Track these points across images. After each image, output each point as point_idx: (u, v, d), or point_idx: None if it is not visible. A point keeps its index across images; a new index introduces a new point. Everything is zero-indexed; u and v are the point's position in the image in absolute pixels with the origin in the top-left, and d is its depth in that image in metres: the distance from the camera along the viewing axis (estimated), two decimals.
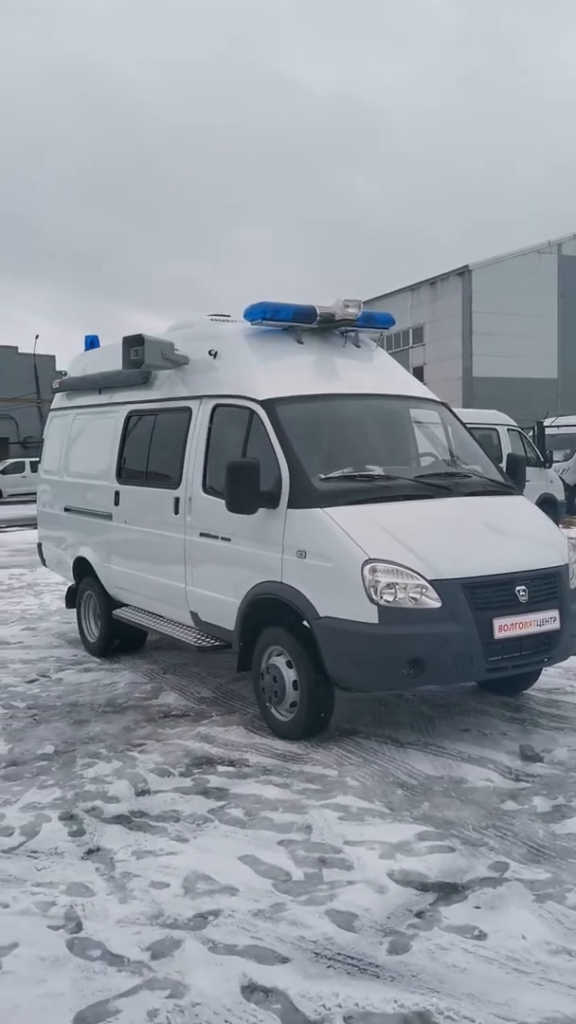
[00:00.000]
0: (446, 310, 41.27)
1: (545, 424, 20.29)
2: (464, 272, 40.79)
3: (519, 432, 15.70)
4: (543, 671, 6.22)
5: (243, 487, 5.30)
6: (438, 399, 6.70)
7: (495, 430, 14.54)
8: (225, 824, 4.24)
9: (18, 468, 33.25)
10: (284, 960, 3.10)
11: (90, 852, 4.01)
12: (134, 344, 6.46)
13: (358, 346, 6.56)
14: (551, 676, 6.49)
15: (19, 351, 47.70)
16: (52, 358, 52.22)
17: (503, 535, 5.38)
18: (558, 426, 22.04)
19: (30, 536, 18.71)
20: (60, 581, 11.76)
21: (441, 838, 4.02)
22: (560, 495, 16.43)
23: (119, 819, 4.36)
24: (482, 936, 3.22)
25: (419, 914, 3.40)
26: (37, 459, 34.32)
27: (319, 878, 3.68)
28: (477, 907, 3.43)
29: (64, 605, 9.16)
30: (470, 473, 6.07)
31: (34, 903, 3.54)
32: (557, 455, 19.33)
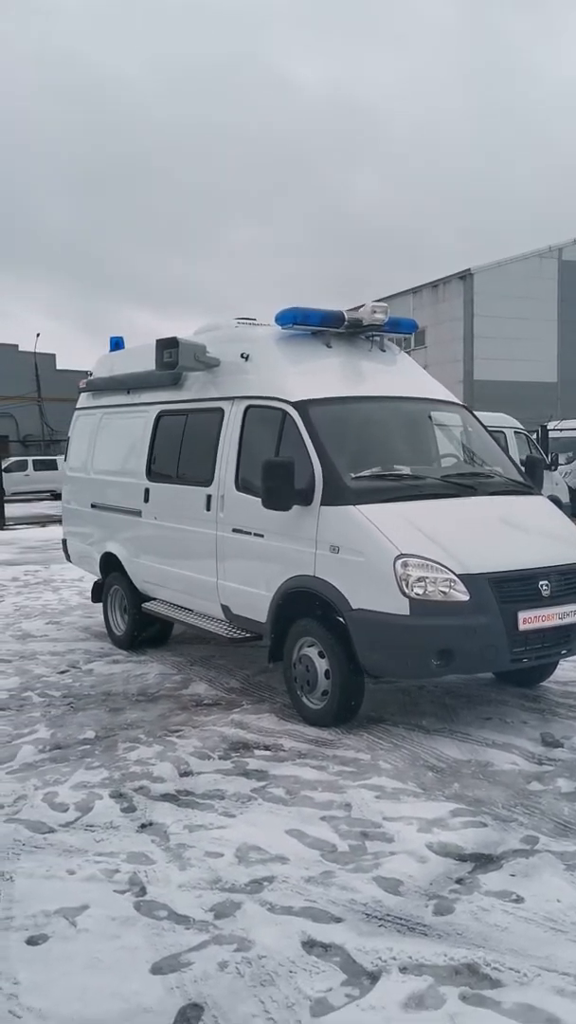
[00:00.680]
0: (447, 313, 41.56)
1: (548, 427, 20.60)
2: (466, 276, 41.07)
3: (525, 435, 15.99)
4: (559, 665, 6.50)
5: (279, 485, 5.55)
6: (460, 402, 6.97)
7: (503, 433, 14.79)
8: (268, 802, 4.49)
9: (21, 467, 33.43)
10: (338, 920, 3.35)
11: (143, 826, 4.26)
12: (168, 346, 6.72)
13: (383, 350, 6.82)
14: (566, 669, 6.75)
15: (19, 349, 47.89)
16: (52, 356, 52.39)
17: (526, 532, 5.64)
18: (561, 429, 22.34)
19: (39, 534, 19.02)
20: (77, 577, 12.07)
21: (473, 815, 4.28)
22: (565, 497, 16.73)
23: (167, 797, 4.61)
24: (520, 900, 3.48)
25: (459, 881, 3.65)
26: (39, 457, 34.26)
27: (363, 849, 3.94)
28: (512, 875, 3.69)
29: (88, 600, 9.43)
30: (492, 473, 6.33)
31: (99, 870, 3.79)
32: (561, 458, 19.60)
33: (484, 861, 3.83)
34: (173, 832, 4.17)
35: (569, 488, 19.02)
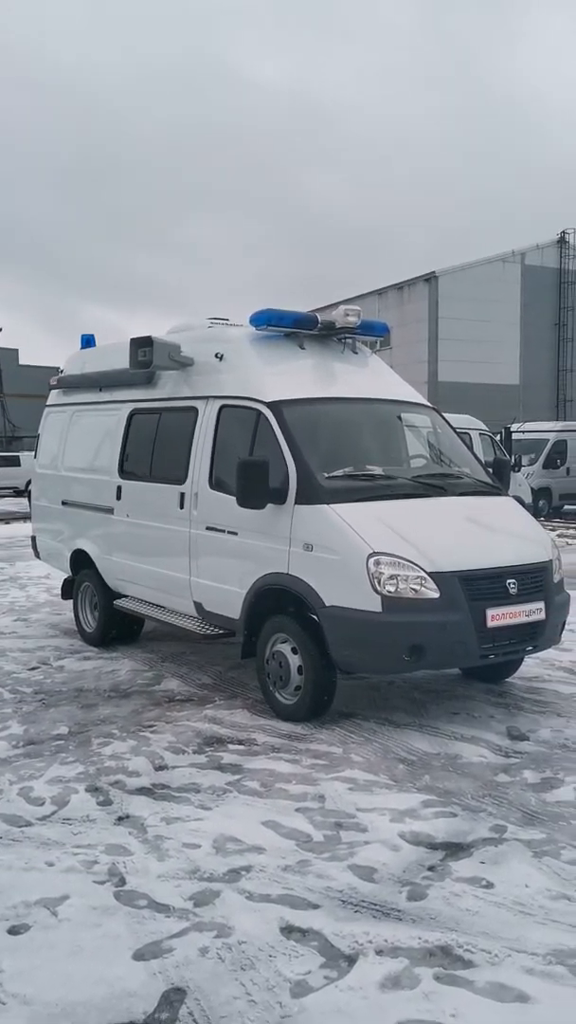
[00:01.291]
0: (413, 315, 41.93)
1: (512, 429, 20.94)
2: (431, 278, 41.46)
3: (490, 436, 16.25)
4: (524, 661, 6.67)
5: (254, 483, 5.63)
6: (429, 404, 7.11)
7: (468, 434, 15.04)
8: (244, 795, 4.58)
9: None
10: (315, 906, 3.45)
11: (120, 819, 4.32)
12: (143, 345, 6.76)
13: (355, 352, 6.94)
14: (530, 665, 6.93)
15: None
16: (15, 352, 51.86)
17: (495, 532, 5.79)
18: (524, 431, 22.71)
19: (2, 531, 18.87)
20: (43, 574, 12.03)
21: (444, 805, 4.40)
22: (528, 498, 17.02)
23: (143, 791, 4.67)
24: (490, 886, 3.60)
25: (431, 868, 3.77)
26: (1, 453, 33.82)
27: (337, 839, 4.04)
28: (482, 862, 3.81)
29: (56, 597, 9.43)
30: (461, 474, 6.48)
31: (77, 862, 3.85)
32: (524, 460, 19.94)
33: (455, 849, 3.95)
34: (150, 824, 4.23)
35: (532, 489, 19.35)
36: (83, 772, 4.94)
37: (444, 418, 7.09)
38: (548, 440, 22.72)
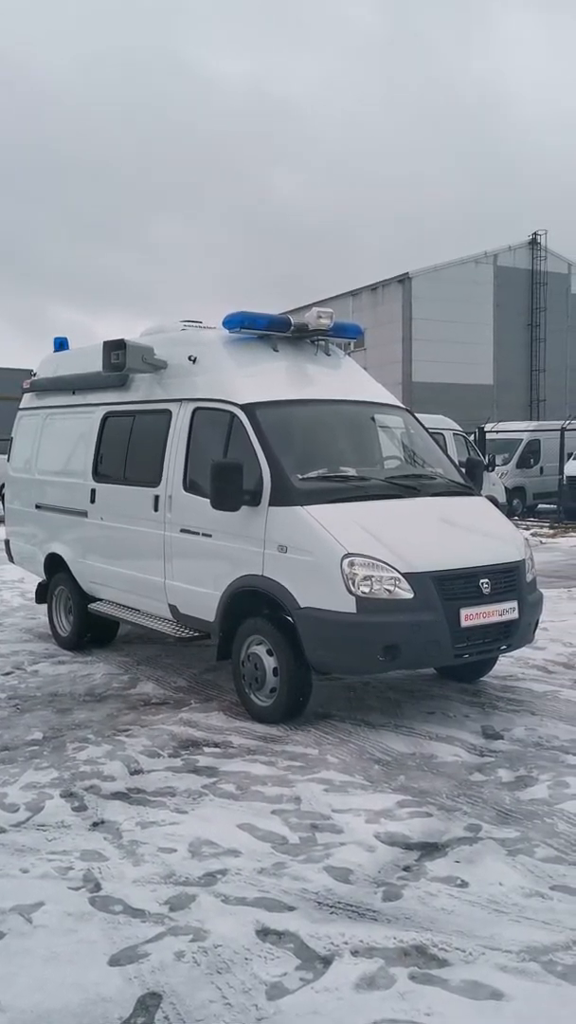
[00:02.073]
0: (387, 316, 42.10)
1: (486, 429, 21.08)
2: (404, 279, 41.65)
3: (464, 437, 16.35)
4: (497, 660, 6.72)
5: (228, 486, 5.63)
6: (402, 405, 7.15)
7: (442, 435, 15.13)
8: (219, 798, 4.57)
9: None
10: (291, 908, 3.45)
11: (96, 824, 4.30)
12: (116, 348, 6.74)
13: (328, 354, 6.96)
14: (504, 664, 6.98)
15: None
16: None
17: (468, 532, 5.83)
18: (497, 431, 22.89)
19: None
20: (17, 577, 11.94)
21: (419, 805, 4.42)
22: (501, 497, 17.14)
23: (118, 795, 4.65)
24: (464, 884, 3.63)
25: (406, 868, 3.79)
26: None
27: (313, 841, 4.05)
28: (457, 861, 3.84)
29: (31, 602, 9.35)
30: (434, 475, 6.52)
31: (52, 868, 3.83)
32: (497, 459, 20.08)
33: (430, 849, 3.97)
34: (125, 829, 4.22)
35: (505, 488, 19.49)
36: (58, 777, 4.91)
37: (417, 419, 7.13)
38: (522, 440, 22.91)
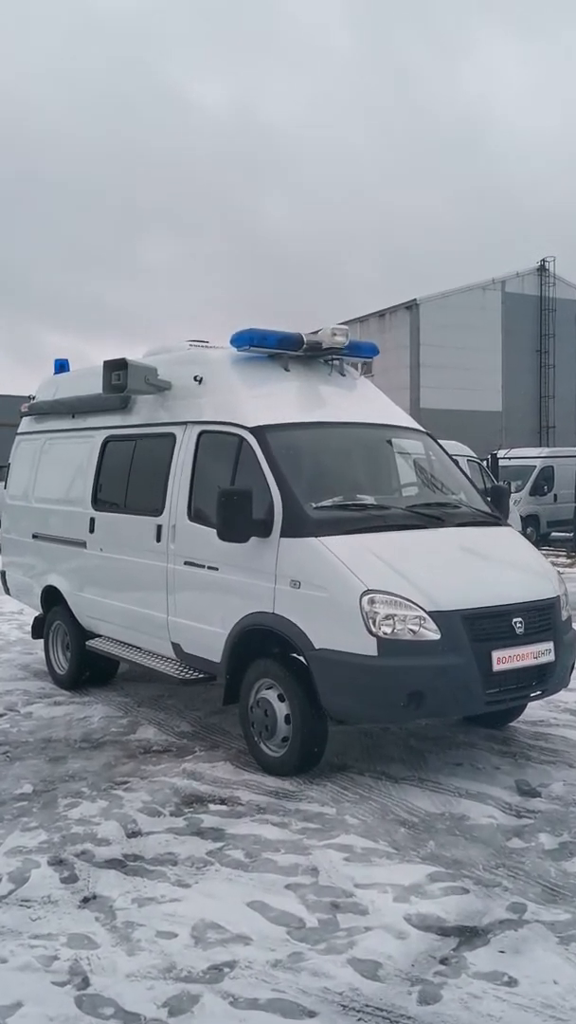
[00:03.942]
0: (394, 341, 41.83)
1: (499, 456, 20.63)
2: (412, 306, 41.48)
3: (478, 463, 15.89)
4: (527, 704, 6.19)
5: (236, 515, 5.18)
6: (422, 428, 6.70)
7: (456, 461, 14.64)
8: (226, 867, 4.06)
9: None
10: (311, 1014, 2.94)
11: (86, 900, 3.79)
12: (117, 368, 6.32)
13: (343, 374, 6.52)
14: (535, 708, 6.45)
15: None
16: None
17: (498, 566, 5.35)
18: (510, 458, 22.41)
19: None
20: (16, 609, 11.46)
21: (453, 879, 3.91)
22: (517, 525, 16.62)
23: (112, 863, 4.14)
24: (513, 983, 3.11)
25: (443, 960, 3.27)
26: None
27: (334, 924, 3.53)
28: (501, 951, 3.32)
29: (29, 636, 8.88)
30: (459, 503, 6.05)
31: (35, 957, 3.32)
32: (511, 486, 19.59)
33: (469, 935, 3.45)
34: (120, 907, 3.71)
35: (520, 517, 19.00)
36: (47, 840, 4.40)
37: (438, 443, 6.68)
38: (535, 466, 22.42)
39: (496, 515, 6.13)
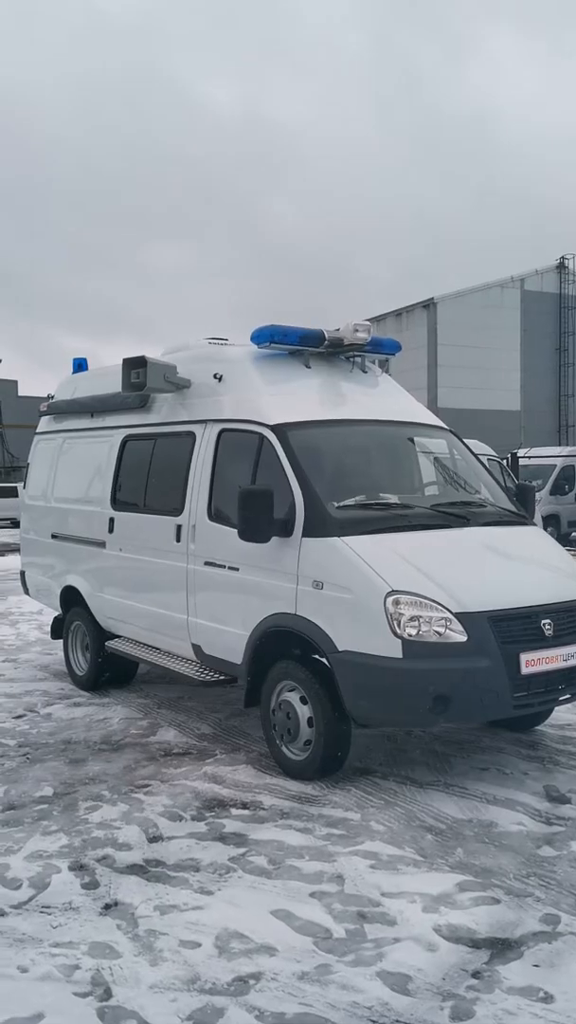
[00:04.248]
0: (412, 341, 41.58)
1: (519, 455, 20.43)
2: (429, 305, 41.25)
3: (499, 462, 15.73)
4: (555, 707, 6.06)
5: (257, 515, 5.09)
6: (446, 426, 6.58)
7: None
8: (249, 874, 3.97)
9: None
10: None
11: (108, 907, 3.72)
12: (136, 366, 6.24)
13: (364, 371, 6.42)
14: (561, 712, 6.32)
15: None
16: (15, 383, 51.56)
17: (526, 566, 5.23)
18: (531, 456, 22.21)
19: None
20: (35, 609, 11.46)
21: (483, 888, 3.80)
22: (539, 525, 16.44)
23: (134, 869, 4.07)
24: (549, 998, 3.00)
25: (475, 974, 3.17)
26: None
27: (362, 935, 3.44)
28: (536, 965, 3.21)
29: (48, 636, 8.83)
30: (484, 502, 5.93)
31: (55, 966, 3.25)
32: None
33: (501, 947, 3.34)
34: (142, 915, 3.63)
35: (541, 516, 18.80)
36: (67, 845, 4.33)
37: (462, 441, 6.56)
38: (555, 466, 22.19)
39: (522, 514, 6.00)
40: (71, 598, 7.63)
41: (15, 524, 30.02)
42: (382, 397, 6.34)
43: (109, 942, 3.41)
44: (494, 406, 40.25)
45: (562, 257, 42.08)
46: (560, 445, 34.34)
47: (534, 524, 6.01)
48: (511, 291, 42.64)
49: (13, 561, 18.55)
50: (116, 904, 3.73)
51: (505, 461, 17.79)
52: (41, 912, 3.69)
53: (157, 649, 6.57)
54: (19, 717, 6.70)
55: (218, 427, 5.94)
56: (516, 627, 4.80)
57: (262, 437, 5.53)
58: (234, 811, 4.71)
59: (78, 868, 4.08)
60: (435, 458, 6.39)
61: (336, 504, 5.22)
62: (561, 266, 42.01)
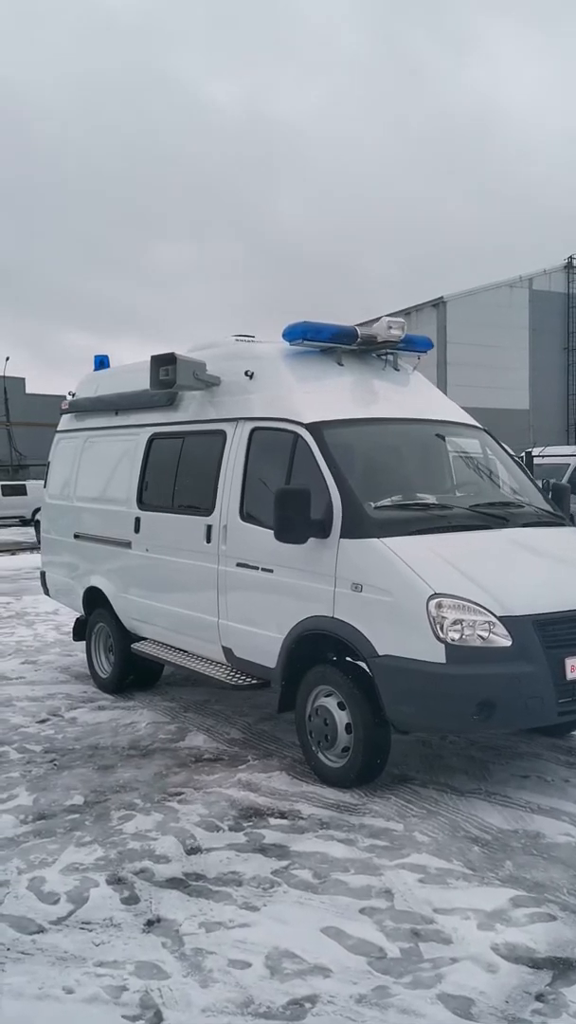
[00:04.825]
0: None
1: (533, 454, 20.24)
2: (439, 304, 41.12)
3: (516, 461, 15.55)
4: None
5: (294, 515, 4.96)
6: (480, 425, 6.44)
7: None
8: (295, 888, 3.84)
9: None
10: None
11: (150, 923, 3.59)
12: (165, 363, 6.12)
13: (397, 369, 6.29)
14: None
15: None
16: (22, 380, 51.43)
17: (568, 568, 5.08)
18: (544, 455, 22.01)
19: (9, 563, 18.18)
20: (51, 609, 11.34)
21: (537, 904, 3.66)
22: None
23: (174, 883, 3.94)
24: None
25: (539, 997, 3.03)
26: (8, 482, 33.17)
27: (417, 954, 3.30)
28: None
29: (66, 637, 8.73)
30: (522, 503, 5.79)
31: (102, 987, 3.12)
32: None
33: (563, 968, 3.21)
34: (187, 932, 3.50)
35: None
36: (103, 857, 4.21)
37: (497, 440, 6.42)
38: (569, 464, 22.00)
39: (560, 515, 5.86)
40: (94, 599, 7.51)
41: (24, 523, 29.98)
42: (415, 395, 6.21)
43: (155, 961, 3.29)
44: (503, 405, 40.03)
45: (570, 257, 41.89)
46: (569, 444, 34.14)
47: (571, 525, 5.86)
48: (520, 290, 42.46)
49: (22, 560, 18.51)
50: (159, 920, 3.61)
51: (521, 459, 17.63)
52: (82, 928, 3.57)
53: (185, 652, 6.44)
54: (43, 722, 6.58)
55: (250, 425, 5.81)
56: (561, 631, 4.66)
57: (296, 436, 5.40)
58: (272, 821, 4.59)
59: (116, 882, 3.96)
60: (470, 457, 6.25)
61: (374, 504, 5.09)
62: (569, 266, 41.83)
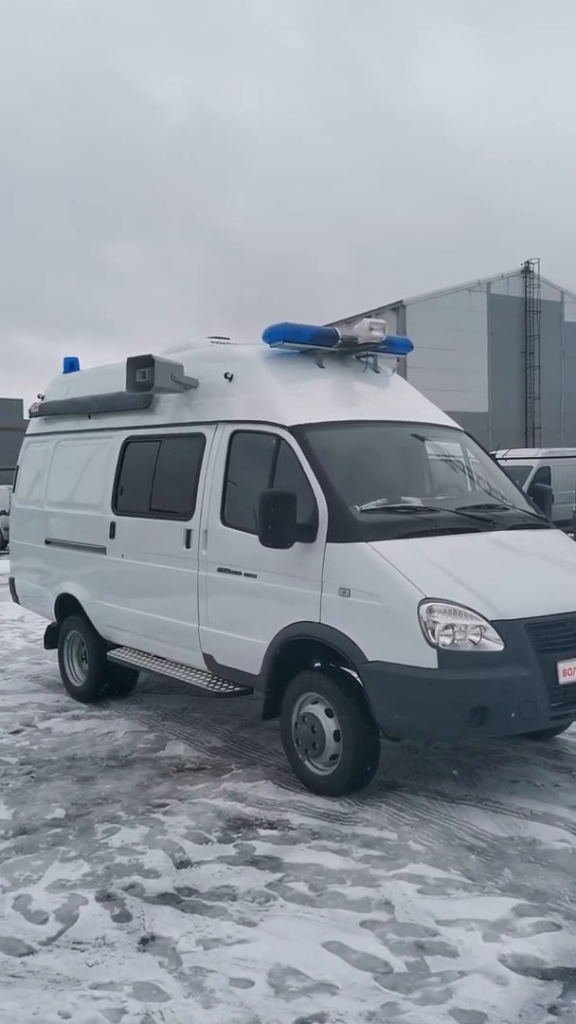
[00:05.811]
0: None
1: (497, 456, 20.42)
2: (398, 307, 41.31)
3: (498, 464, 15.64)
4: None
5: (279, 519, 4.87)
6: (460, 427, 6.42)
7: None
8: (291, 902, 3.75)
9: None
10: None
11: (145, 941, 3.47)
12: (142, 365, 5.99)
13: (377, 371, 6.24)
14: None
15: None
16: None
17: (557, 570, 5.07)
18: (507, 458, 22.21)
19: None
20: (16, 616, 11.10)
21: (540, 912, 3.61)
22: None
23: (166, 898, 3.82)
24: None
25: (552, 1009, 2.98)
26: None
27: (424, 968, 3.23)
28: None
29: (35, 644, 8.53)
30: (507, 505, 5.77)
31: (100, 1011, 3.00)
32: None
33: (573, 978, 3.16)
34: (184, 950, 3.38)
35: None
36: (90, 873, 4.07)
37: (477, 442, 6.40)
38: (532, 467, 22.23)
39: (543, 517, 5.85)
40: (67, 606, 7.34)
41: None
42: (397, 397, 6.16)
43: (154, 982, 3.17)
44: (463, 408, 40.17)
45: (527, 262, 42.44)
46: (527, 447, 34.53)
47: (555, 527, 5.85)
48: (478, 294, 42.89)
49: None
50: (154, 938, 3.49)
51: None
52: (74, 948, 3.43)
53: (163, 659, 6.31)
54: (17, 732, 6.40)
55: (230, 428, 5.71)
56: (553, 634, 4.63)
57: (279, 439, 5.31)
58: (262, 831, 4.48)
59: (106, 898, 3.83)
60: (452, 460, 6.21)
61: (360, 508, 5.02)
62: (526, 270, 42.37)
